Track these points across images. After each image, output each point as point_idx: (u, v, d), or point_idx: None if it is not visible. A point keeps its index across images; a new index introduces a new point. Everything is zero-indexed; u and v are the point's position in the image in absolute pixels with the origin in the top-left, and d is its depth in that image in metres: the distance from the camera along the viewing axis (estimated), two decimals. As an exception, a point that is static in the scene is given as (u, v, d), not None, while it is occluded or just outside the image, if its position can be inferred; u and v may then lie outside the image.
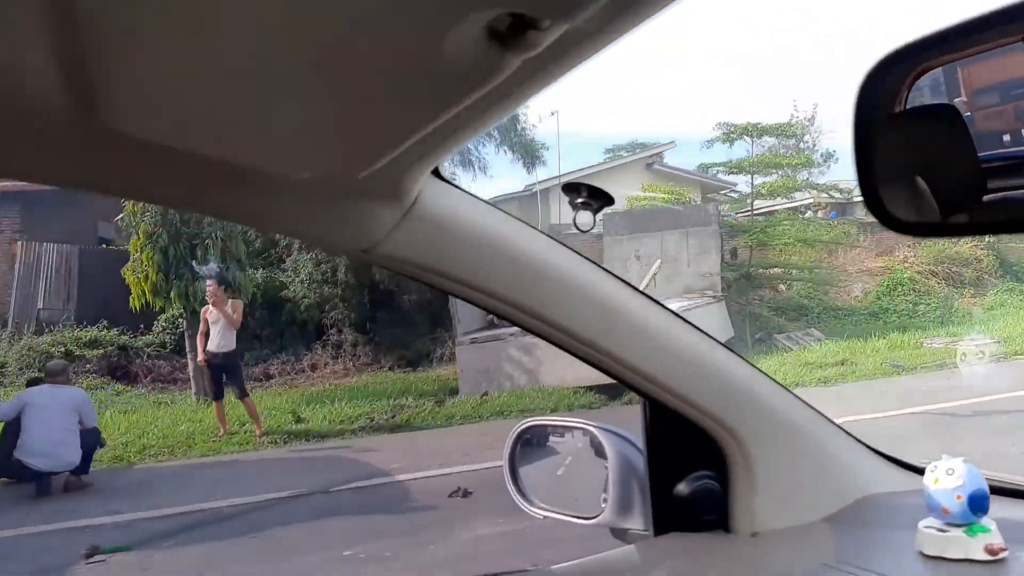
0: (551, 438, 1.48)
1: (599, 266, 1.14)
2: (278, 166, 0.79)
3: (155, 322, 14.22)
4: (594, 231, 18.33)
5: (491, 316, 11.86)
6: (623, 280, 1.16)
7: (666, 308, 1.18)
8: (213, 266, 9.68)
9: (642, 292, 1.17)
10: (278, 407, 10.29)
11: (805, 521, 1.22)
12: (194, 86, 0.62)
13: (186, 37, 0.55)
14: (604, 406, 9.67)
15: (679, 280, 15.50)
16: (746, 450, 1.19)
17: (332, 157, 0.78)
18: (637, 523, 1.27)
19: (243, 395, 8.98)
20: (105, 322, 13.87)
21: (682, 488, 1.21)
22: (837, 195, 22.16)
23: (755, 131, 17.77)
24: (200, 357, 9.09)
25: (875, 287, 18.86)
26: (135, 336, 14.10)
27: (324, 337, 14.70)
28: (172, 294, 10.04)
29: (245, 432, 8.93)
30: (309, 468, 7.48)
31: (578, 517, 1.34)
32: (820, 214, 22.36)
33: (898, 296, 18.37)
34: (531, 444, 1.48)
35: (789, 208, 21.57)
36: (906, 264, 19.42)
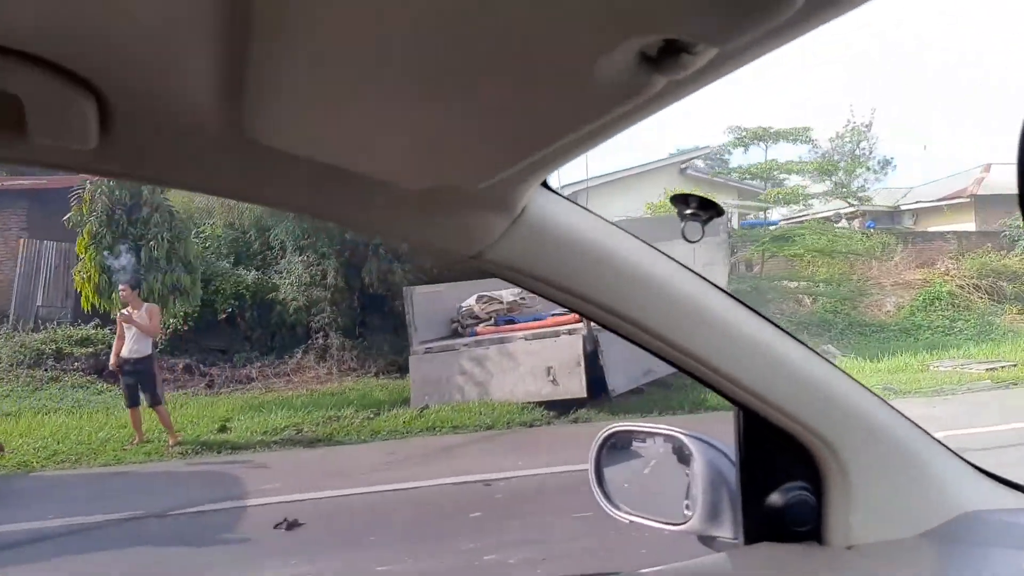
0: (635, 443, 1.48)
1: (699, 275, 1.14)
2: (404, 179, 0.85)
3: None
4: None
5: (455, 324, 11.53)
6: (723, 290, 1.16)
7: (766, 318, 1.17)
8: (125, 265, 9.48)
9: (742, 302, 1.16)
10: (213, 415, 10.03)
11: (902, 536, 1.20)
12: (335, 104, 0.68)
13: (332, 60, 0.59)
14: (548, 424, 9.11)
15: None
16: (842, 461, 1.18)
17: (457, 170, 0.82)
18: (726, 531, 1.26)
19: (155, 403, 8.68)
20: (98, 320, 14.00)
21: (775, 498, 1.20)
22: (855, 203, 20.89)
23: (767, 136, 16.84)
24: (112, 362, 8.90)
25: (910, 301, 17.69)
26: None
27: (310, 341, 14.53)
28: (114, 296, 9.94)
29: (161, 441, 8.71)
30: (185, 484, 7.17)
31: (664, 523, 1.34)
32: (856, 223, 21.13)
33: (935, 311, 17.16)
34: (616, 448, 1.48)
35: (821, 217, 20.48)
36: (947, 277, 18.17)
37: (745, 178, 19.75)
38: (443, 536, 5.20)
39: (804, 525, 1.20)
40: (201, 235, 15.78)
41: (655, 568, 1.27)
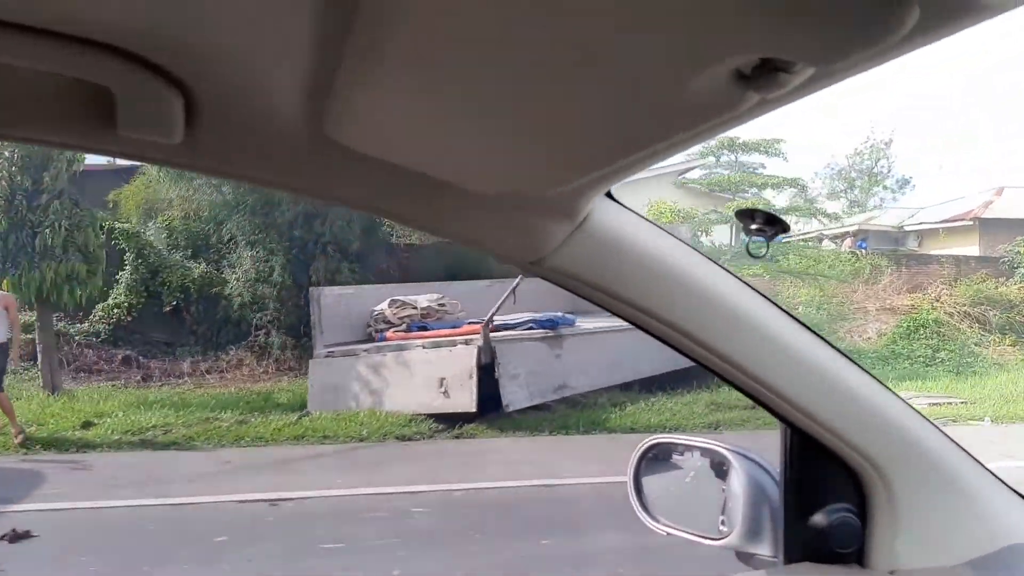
0: (675, 455, 1.47)
1: (759, 292, 1.14)
2: (476, 184, 0.87)
3: (93, 311, 14.23)
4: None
5: (370, 329, 11.12)
6: (782, 308, 1.16)
7: (822, 338, 1.17)
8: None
9: (800, 321, 1.16)
10: (99, 410, 9.72)
11: (946, 563, 1.19)
12: (417, 109, 0.70)
13: (420, 65, 0.61)
14: (428, 439, 8.65)
15: None
16: (890, 485, 1.17)
17: (529, 177, 0.85)
18: (765, 549, 1.25)
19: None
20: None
21: (819, 519, 1.20)
22: (826, 221, 19.96)
23: (736, 147, 16.12)
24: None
25: (893, 328, 16.84)
26: (73, 323, 14.12)
27: (252, 337, 14.27)
28: (5, 283, 9.73)
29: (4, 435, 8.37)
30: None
31: (702, 537, 1.34)
32: (847, 243, 20.25)
33: (918, 340, 16.27)
34: (655, 460, 1.48)
35: (802, 238, 19.71)
36: (937, 303, 17.28)
37: (714, 189, 19.00)
38: (160, 561, 4.84)
39: (847, 547, 1.20)
40: (157, 226, 15.67)
41: None
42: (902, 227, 23.26)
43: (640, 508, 1.45)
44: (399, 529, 5.32)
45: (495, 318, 10.45)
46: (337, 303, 10.79)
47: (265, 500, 5.58)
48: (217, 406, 9.98)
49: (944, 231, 21.37)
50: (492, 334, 9.96)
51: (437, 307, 10.70)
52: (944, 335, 16.35)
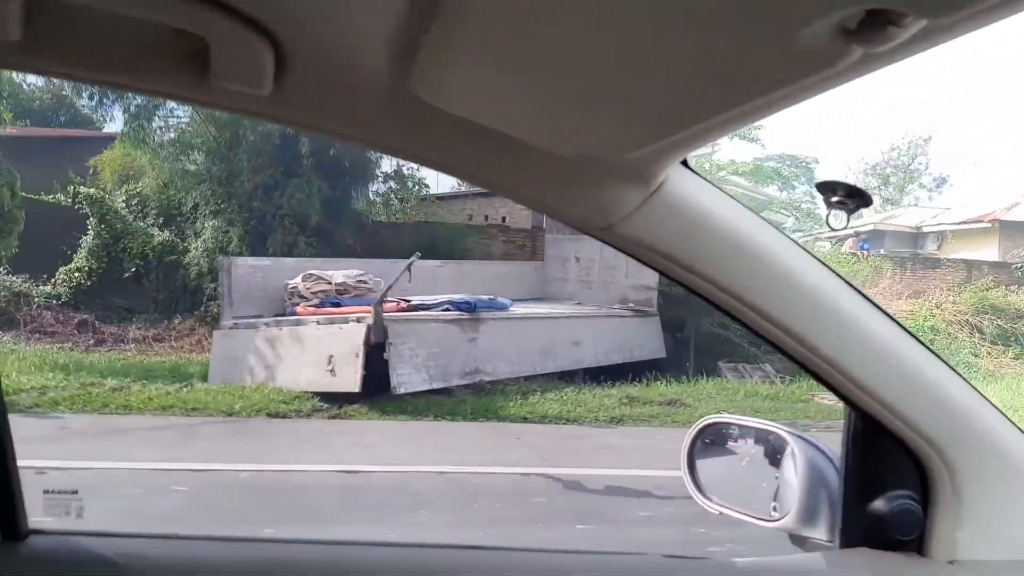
0: (731, 435, 1.46)
1: (833, 271, 1.13)
2: (555, 145, 0.89)
3: (57, 273, 14.34)
4: (538, 227, 16.85)
5: (288, 303, 10.84)
6: (856, 288, 1.14)
7: (894, 319, 1.15)
8: None
9: (873, 303, 1.14)
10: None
11: (1008, 557, 1.17)
12: (503, 70, 0.72)
13: (510, 27, 0.63)
14: (301, 417, 8.31)
15: (615, 290, 13.79)
16: (955, 473, 1.15)
17: (609, 140, 0.86)
18: (821, 533, 1.24)
19: None
20: (8, 267, 14.06)
21: (879, 504, 1.18)
22: (787, 213, 18.86)
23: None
24: None
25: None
26: (36, 284, 14.23)
27: (203, 308, 14.17)
28: None
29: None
30: None
31: (756, 518, 1.32)
32: (848, 244, 19.20)
33: (911, 346, 15.35)
34: (710, 440, 1.46)
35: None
36: (938, 310, 16.26)
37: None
38: None
39: (907, 535, 1.18)
40: (129, 193, 15.71)
41: (749, 559, 1.25)
42: (920, 228, 22.04)
43: (692, 487, 1.43)
44: (129, 506, 5.04)
45: (412, 298, 10.10)
46: (251, 275, 10.54)
47: (34, 468, 5.33)
48: (121, 373, 9.81)
49: (956, 234, 20.12)
50: (404, 313, 9.61)
51: (355, 283, 10.34)
52: (938, 344, 15.37)
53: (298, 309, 10.00)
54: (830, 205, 1.08)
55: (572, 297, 14.35)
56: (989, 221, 19.54)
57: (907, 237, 22.07)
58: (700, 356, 14.22)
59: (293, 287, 10.33)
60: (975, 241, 19.59)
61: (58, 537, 1.23)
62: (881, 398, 1.12)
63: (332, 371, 8.69)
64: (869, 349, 1.11)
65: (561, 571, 1.28)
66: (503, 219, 18.37)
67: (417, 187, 17.71)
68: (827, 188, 1.08)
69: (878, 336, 1.12)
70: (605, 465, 6.71)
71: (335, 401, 8.59)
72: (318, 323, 9.18)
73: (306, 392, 8.73)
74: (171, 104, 14.87)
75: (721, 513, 1.38)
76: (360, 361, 8.54)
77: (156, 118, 14.76)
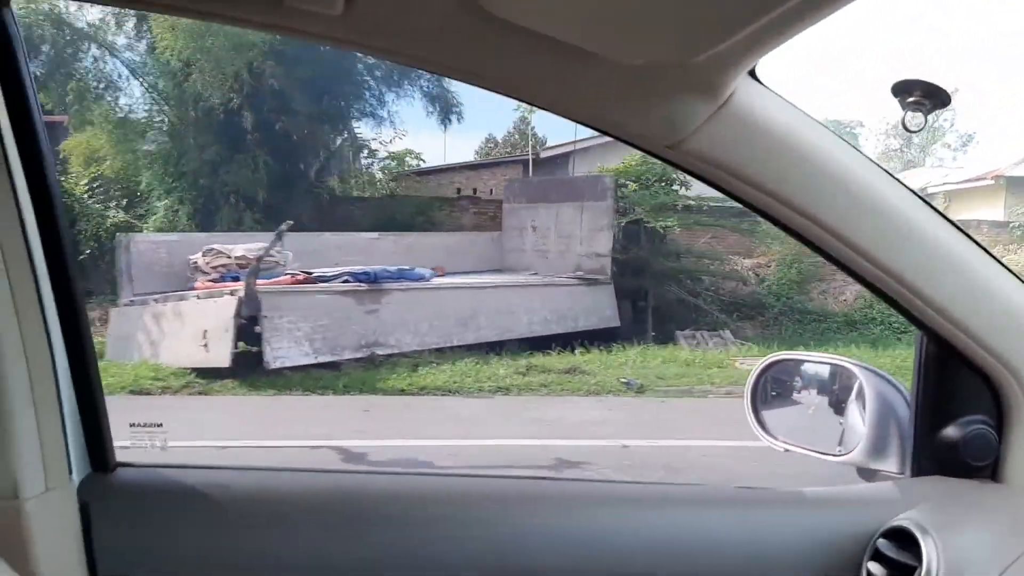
0: (797, 372, 1.45)
1: (912, 190, 1.10)
2: (617, 51, 0.87)
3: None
4: (496, 196, 16.36)
5: (190, 279, 10.68)
6: (935, 207, 1.11)
7: (973, 240, 1.11)
8: None
9: (950, 220, 1.11)
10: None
11: None
12: None
13: None
14: (174, 393, 8.14)
15: (570, 258, 13.37)
16: None
17: (670, 42, 0.83)
18: (891, 465, 1.23)
19: None
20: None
21: (951, 431, 1.17)
22: None
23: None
24: None
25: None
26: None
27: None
28: None
29: None
30: None
31: (824, 453, 1.32)
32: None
33: (898, 307, 14.49)
34: (776, 377, 1.45)
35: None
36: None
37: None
38: None
39: (981, 461, 1.16)
40: (90, 175, 15.83)
41: (817, 488, 1.24)
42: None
43: (756, 424, 1.42)
44: None
45: (314, 270, 9.87)
46: (155, 251, 10.42)
47: None
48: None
49: (961, 192, 18.84)
50: (304, 285, 9.39)
51: (267, 257, 10.11)
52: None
53: (196, 284, 9.85)
54: (906, 106, 1.03)
55: (530, 267, 13.96)
56: (993, 178, 18.24)
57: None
58: (664, 324, 13.72)
59: (194, 263, 10.18)
60: (981, 200, 18.33)
61: (144, 469, 1.27)
62: (956, 319, 1.09)
63: (205, 346, 8.51)
64: (944, 269, 1.08)
65: (639, 499, 1.27)
66: (474, 190, 18.01)
67: (395, 161, 17.48)
68: (902, 89, 1.03)
69: (953, 255, 1.08)
70: (431, 436, 6.37)
71: (209, 376, 8.42)
72: (198, 298, 9.01)
73: (184, 368, 8.58)
74: (120, 83, 15.05)
75: (787, 450, 1.35)
76: (231, 335, 8.34)
77: (104, 101, 14.80)
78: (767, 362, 1.45)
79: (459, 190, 18.41)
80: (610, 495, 1.29)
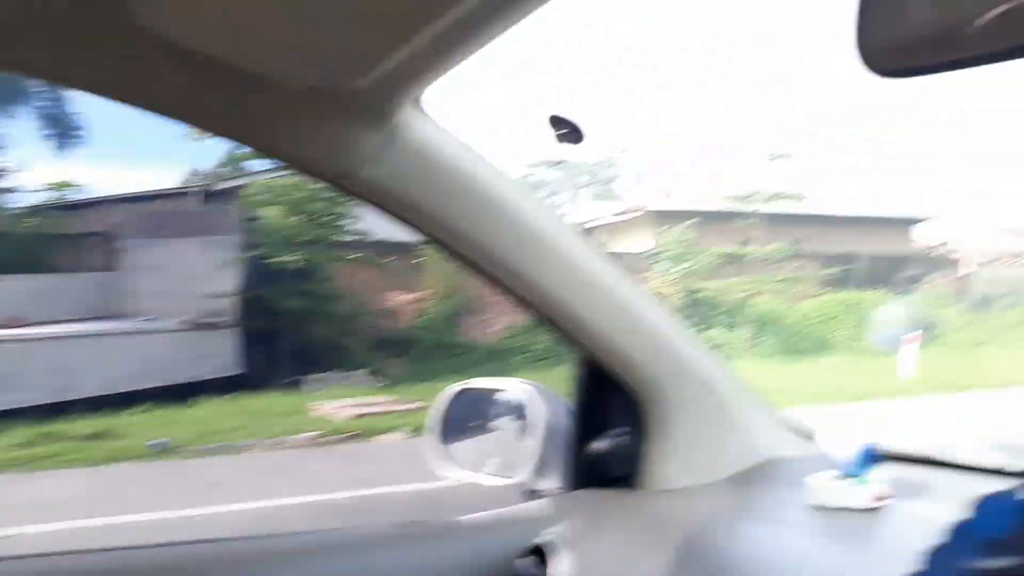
0: (483, 400, 1.45)
1: (562, 221, 1.15)
2: (283, 73, 0.83)
3: None
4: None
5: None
6: (584, 240, 1.16)
7: (617, 267, 1.17)
8: None
9: (599, 254, 1.16)
10: None
11: (710, 480, 1.23)
12: None
13: None
14: None
15: (190, 301, 12.18)
16: (664, 407, 1.20)
17: (335, 63, 0.80)
18: (555, 483, 1.27)
19: None
20: None
21: (599, 445, 1.23)
22: None
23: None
24: None
25: (524, 321, 15.32)
26: None
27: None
28: None
29: None
30: None
31: (494, 479, 1.34)
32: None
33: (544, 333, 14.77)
34: (461, 407, 1.45)
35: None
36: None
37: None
38: None
39: (624, 471, 1.22)
40: None
41: (472, 515, 1.22)
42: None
43: (438, 456, 1.41)
44: None
45: None
46: None
47: None
48: None
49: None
50: None
51: None
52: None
53: None
54: (559, 139, 1.14)
55: (151, 311, 12.51)
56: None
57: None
58: (306, 367, 12.78)
59: None
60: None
61: None
62: (603, 339, 1.15)
63: None
64: (595, 294, 1.13)
65: (297, 551, 1.14)
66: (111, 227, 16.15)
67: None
68: (553, 123, 1.14)
69: (597, 279, 1.14)
70: None
71: None
72: None
73: None
74: None
75: (462, 481, 1.36)
76: None
77: None
78: (453, 392, 1.45)
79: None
80: (271, 549, 1.14)
